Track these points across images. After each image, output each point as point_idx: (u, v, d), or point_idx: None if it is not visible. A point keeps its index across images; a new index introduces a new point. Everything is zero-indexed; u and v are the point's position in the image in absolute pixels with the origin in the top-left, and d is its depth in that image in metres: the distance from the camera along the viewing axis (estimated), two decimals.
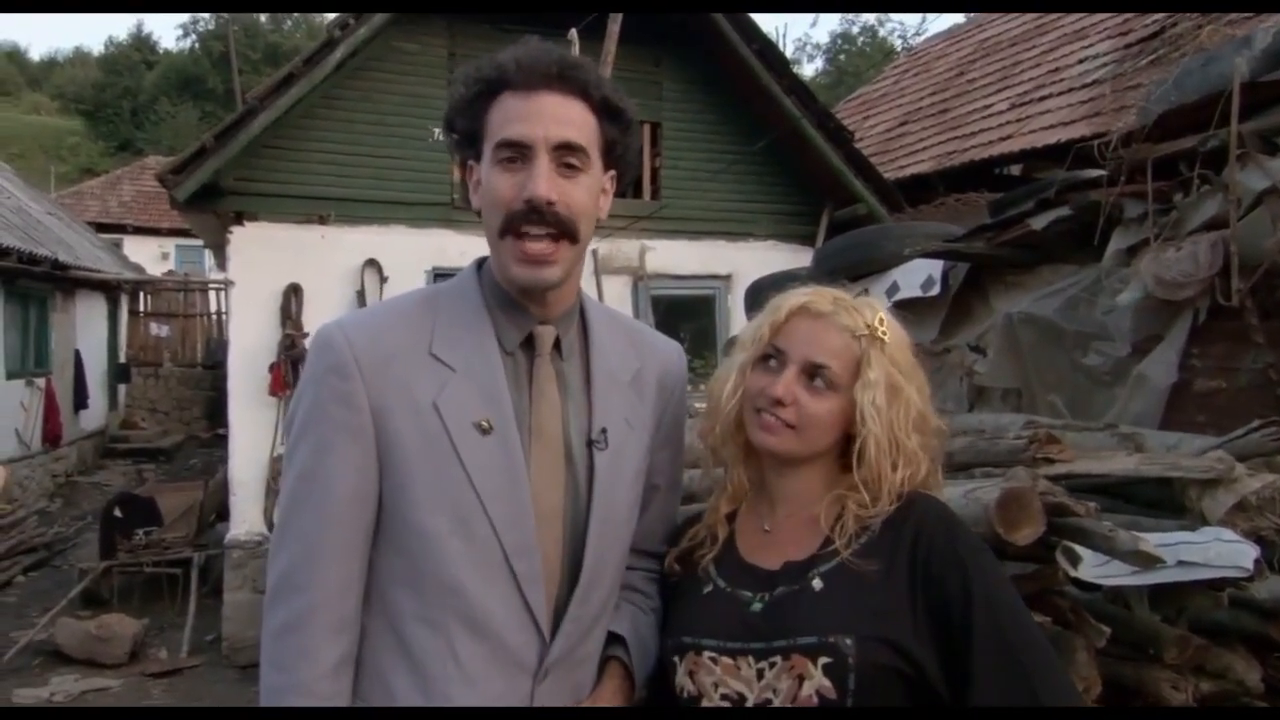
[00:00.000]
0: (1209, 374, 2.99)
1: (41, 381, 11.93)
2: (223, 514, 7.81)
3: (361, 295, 7.00)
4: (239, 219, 6.87)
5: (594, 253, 7.31)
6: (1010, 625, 1.16)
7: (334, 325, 1.28)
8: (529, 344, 1.32)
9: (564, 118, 1.24)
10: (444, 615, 1.22)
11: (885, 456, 1.26)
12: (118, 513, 7.89)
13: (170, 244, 22.01)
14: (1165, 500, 1.67)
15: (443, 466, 1.22)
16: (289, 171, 6.98)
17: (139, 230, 22.16)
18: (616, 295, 7.60)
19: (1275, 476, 1.59)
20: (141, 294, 16.56)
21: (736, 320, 7.49)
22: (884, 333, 1.29)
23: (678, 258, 7.91)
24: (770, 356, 1.32)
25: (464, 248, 6.92)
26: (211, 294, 16.53)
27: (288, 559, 1.23)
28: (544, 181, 1.22)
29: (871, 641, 1.16)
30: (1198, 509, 1.57)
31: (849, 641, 1.16)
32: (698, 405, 1.53)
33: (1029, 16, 9.72)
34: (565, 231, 1.24)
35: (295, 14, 43.24)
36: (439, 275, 6.89)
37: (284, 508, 1.26)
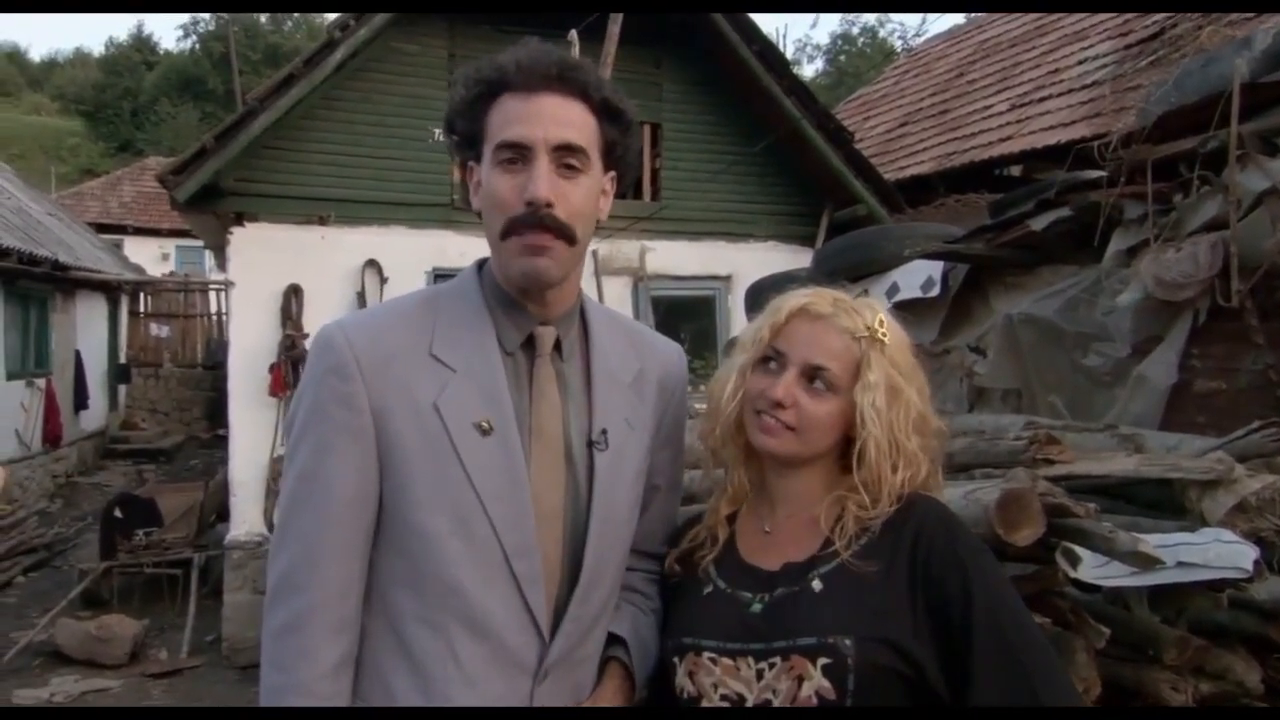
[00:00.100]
0: (1209, 375, 2.99)
1: (42, 382, 11.93)
2: (223, 515, 7.81)
3: (362, 296, 7.00)
4: (239, 220, 6.88)
5: (594, 253, 7.31)
6: (1010, 626, 1.16)
7: (334, 326, 1.28)
8: (529, 344, 1.32)
9: (564, 119, 1.24)
10: (444, 616, 1.22)
11: (885, 458, 1.26)
12: (118, 513, 7.89)
13: (170, 245, 22.01)
14: (1165, 501, 1.67)
15: (443, 467, 1.22)
16: (289, 172, 6.98)
17: (139, 231, 22.17)
18: (617, 296, 7.61)
19: (1275, 477, 1.59)
20: (142, 295, 16.57)
21: (737, 321, 7.49)
22: (884, 334, 1.29)
23: (678, 258, 7.91)
24: (770, 358, 1.32)
25: (464, 248, 6.92)
26: (212, 295, 16.53)
27: (288, 559, 1.23)
28: (544, 183, 1.22)
29: (871, 642, 1.16)
30: (1198, 510, 1.57)
31: (848, 642, 1.16)
32: (698, 406, 1.53)
33: (1029, 17, 9.72)
34: (563, 234, 1.24)
35: (295, 15, 43.30)
36: (439, 276, 6.89)
37: (284, 508, 1.27)
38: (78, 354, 13.46)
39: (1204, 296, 2.92)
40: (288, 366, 6.75)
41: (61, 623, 6.82)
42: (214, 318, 16.45)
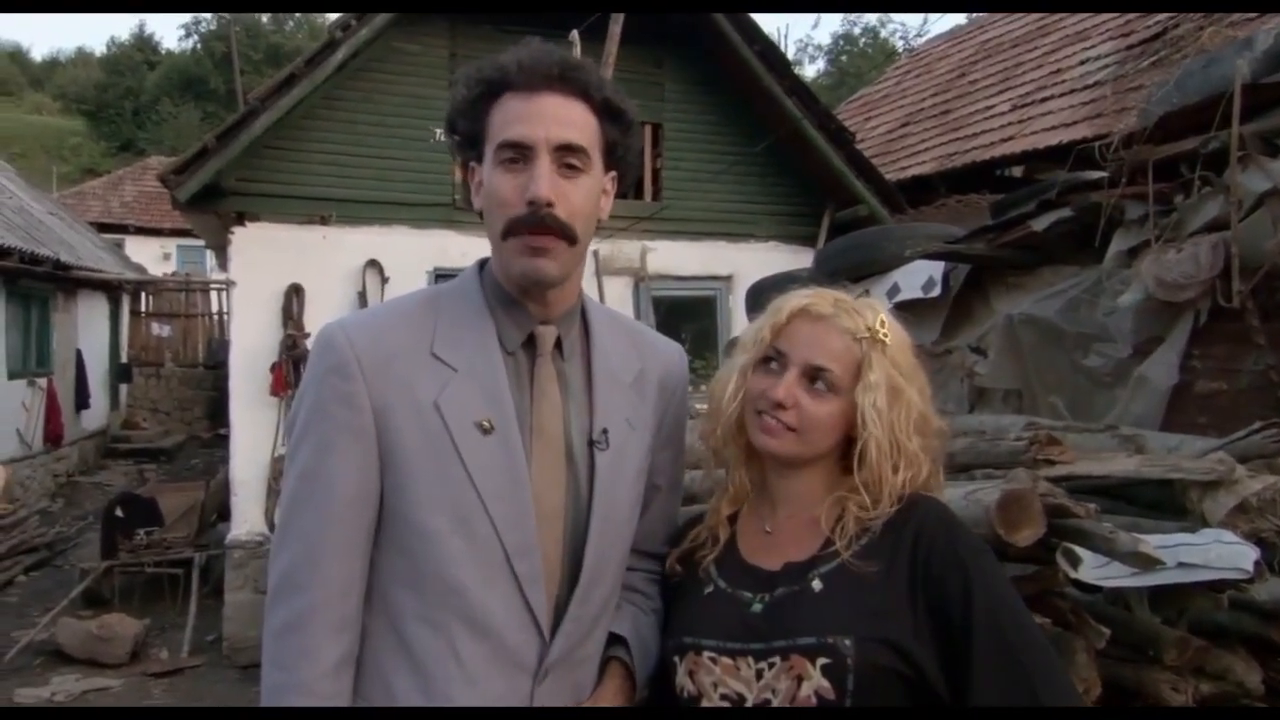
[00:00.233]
0: (1210, 375, 2.99)
1: (43, 381, 11.94)
2: (224, 514, 7.82)
3: (363, 296, 7.00)
4: (240, 219, 6.88)
5: (595, 253, 7.31)
6: (1011, 626, 1.16)
7: (336, 325, 1.28)
8: (530, 344, 1.32)
9: (565, 119, 1.25)
10: (445, 615, 1.22)
11: (886, 459, 1.26)
12: (119, 513, 7.90)
13: (172, 244, 22.01)
14: (1166, 502, 1.67)
15: (444, 466, 1.22)
16: (290, 172, 6.99)
17: (141, 230, 22.18)
18: (618, 296, 7.61)
19: (1276, 478, 1.59)
20: (143, 294, 16.58)
21: (738, 321, 7.49)
22: (885, 334, 1.29)
23: (679, 258, 7.91)
24: (771, 359, 1.32)
25: (465, 248, 6.92)
26: (213, 294, 16.54)
27: (289, 558, 1.24)
28: (545, 182, 1.22)
29: (870, 642, 1.16)
30: (1198, 511, 1.57)
31: (848, 642, 1.16)
32: (699, 406, 1.53)
33: (1031, 18, 9.72)
34: (564, 234, 1.24)
35: (297, 15, 43.29)
36: (440, 276, 6.89)
37: (285, 507, 1.27)
38: (79, 353, 13.47)
39: (1205, 297, 2.92)
40: (289, 366, 6.76)
41: (63, 622, 6.83)
42: (215, 317, 16.46)
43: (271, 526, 5.88)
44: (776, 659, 1.20)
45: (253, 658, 5.85)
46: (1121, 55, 7.27)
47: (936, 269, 4.15)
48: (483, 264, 1.37)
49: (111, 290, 15.51)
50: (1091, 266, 3.38)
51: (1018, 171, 7.53)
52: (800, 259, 7.44)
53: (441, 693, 1.22)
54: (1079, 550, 1.41)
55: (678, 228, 7.89)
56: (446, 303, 1.33)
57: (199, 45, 41.89)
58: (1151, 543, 1.37)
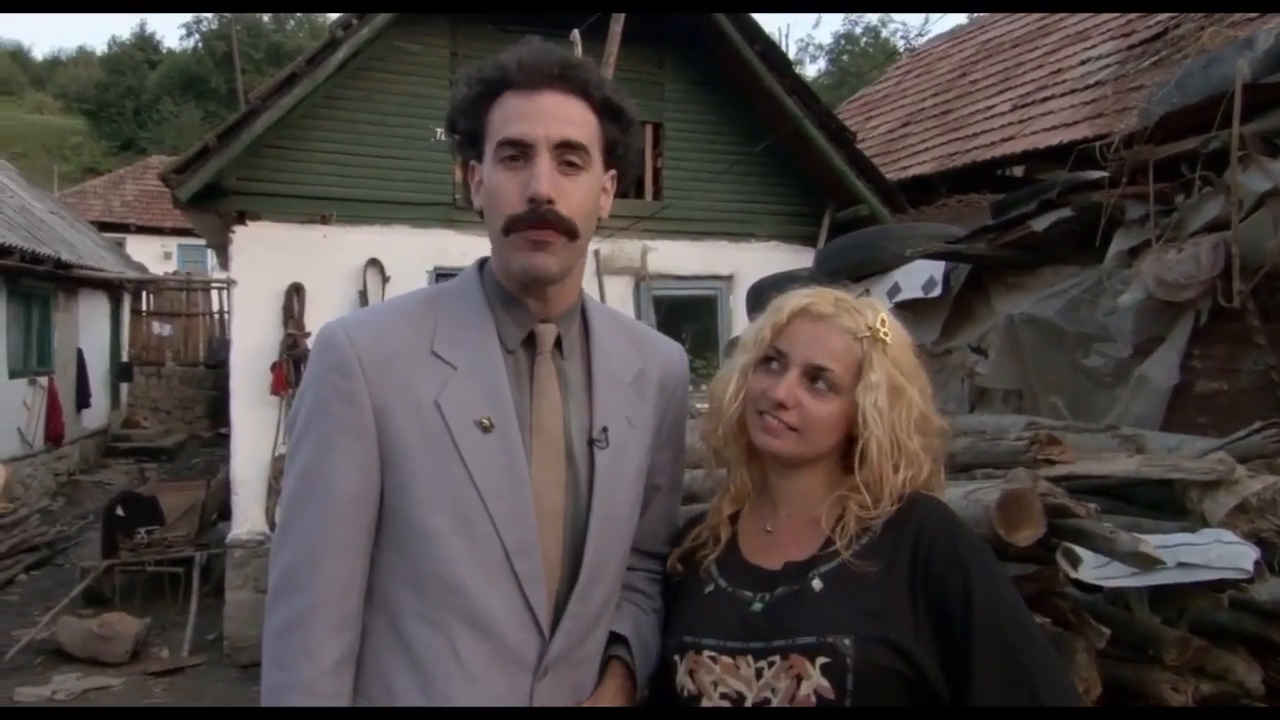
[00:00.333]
0: (1210, 376, 2.99)
1: (44, 380, 11.95)
2: (224, 513, 7.82)
3: (364, 295, 7.00)
4: (241, 218, 6.88)
5: (596, 253, 7.32)
6: (1011, 626, 1.16)
7: (336, 324, 1.28)
8: (530, 342, 1.32)
9: (565, 116, 1.25)
10: (445, 614, 1.22)
11: (887, 458, 1.26)
12: (120, 511, 7.91)
13: (173, 243, 22.03)
14: (1166, 502, 1.67)
15: (444, 465, 1.22)
16: (291, 171, 6.99)
17: (142, 229, 22.20)
18: (618, 295, 7.61)
19: (1276, 478, 1.59)
20: (144, 293, 16.60)
21: (738, 321, 7.49)
22: (886, 334, 1.29)
23: (679, 258, 7.91)
24: (772, 359, 1.32)
25: (466, 248, 6.93)
26: (214, 293, 16.55)
27: (290, 557, 1.24)
28: (545, 179, 1.22)
29: (870, 642, 1.16)
30: (1199, 511, 1.57)
31: (847, 642, 1.16)
32: (700, 406, 1.53)
33: (1032, 18, 9.71)
34: (564, 229, 1.24)
35: (298, 14, 43.31)
36: (441, 275, 6.89)
37: (286, 506, 1.27)
38: (80, 352, 13.48)
39: (1205, 297, 2.91)
40: (289, 365, 6.76)
41: (63, 621, 6.84)
42: (216, 316, 16.47)
43: (272, 526, 5.88)
44: (776, 658, 1.20)
45: (253, 657, 5.84)
46: (1122, 55, 7.27)
47: (937, 269, 4.15)
48: (483, 263, 1.37)
49: (112, 289, 15.52)
50: (1092, 266, 3.38)
51: (1018, 171, 7.53)
52: (801, 259, 7.44)
53: (441, 691, 1.22)
54: (1079, 550, 1.41)
55: (678, 227, 7.89)
56: (447, 301, 1.33)
57: (200, 44, 41.91)
58: (1152, 543, 1.37)
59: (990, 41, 10.16)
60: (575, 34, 5.76)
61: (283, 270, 6.87)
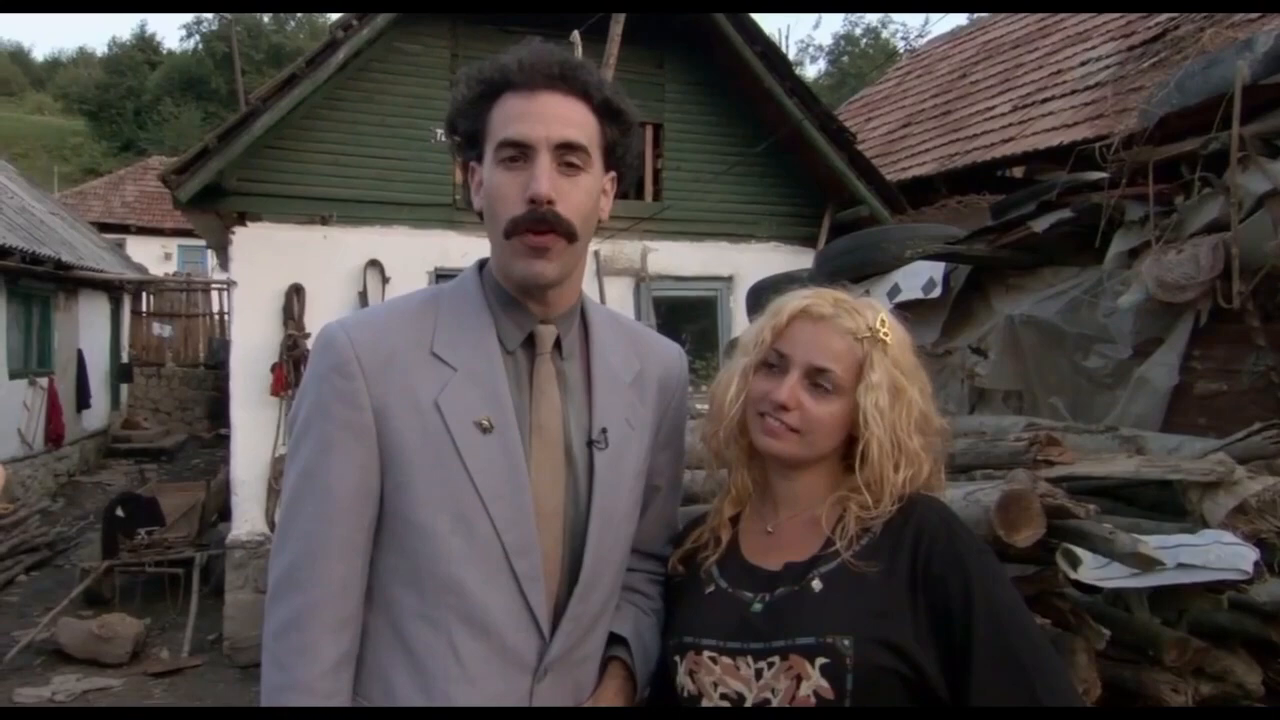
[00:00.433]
0: (1210, 376, 2.99)
1: (44, 381, 11.95)
2: (224, 514, 7.82)
3: (364, 296, 7.00)
4: (241, 219, 6.88)
5: (596, 254, 7.32)
6: (1011, 626, 1.16)
7: (337, 325, 1.28)
8: (530, 343, 1.32)
9: (565, 117, 1.25)
10: (444, 614, 1.22)
11: (888, 458, 1.26)
12: (120, 512, 7.90)
13: (173, 244, 22.04)
14: (1166, 503, 1.68)
15: (444, 465, 1.22)
16: (291, 172, 6.99)
17: (142, 230, 22.20)
18: (618, 296, 7.61)
19: (1276, 479, 1.59)
20: (144, 294, 16.61)
21: (738, 322, 7.49)
22: (886, 334, 1.30)
23: (679, 259, 7.91)
24: (772, 361, 1.33)
25: (466, 249, 6.93)
26: (214, 294, 16.56)
27: (289, 557, 1.24)
28: (545, 180, 1.22)
29: (870, 643, 1.16)
30: (1198, 512, 1.58)
31: (847, 643, 1.16)
32: (700, 407, 1.54)
33: (1032, 18, 9.72)
34: (564, 231, 1.24)
35: (298, 15, 43.32)
36: (441, 276, 6.89)
37: (286, 506, 1.27)
38: (80, 353, 13.47)
39: (1205, 298, 2.92)
40: (289, 366, 6.76)
41: (63, 621, 6.83)
42: (216, 317, 16.48)
43: (272, 526, 5.88)
44: (775, 659, 1.20)
45: (253, 657, 5.84)
46: (1122, 56, 7.27)
47: (937, 270, 4.15)
48: (482, 264, 1.37)
49: (113, 290, 15.51)
50: (1092, 267, 3.38)
51: (1018, 172, 7.53)
52: (801, 259, 7.44)
53: (441, 691, 1.22)
54: (1079, 551, 1.42)
55: (678, 228, 7.89)
56: (446, 302, 1.33)
57: (200, 45, 41.89)
58: (1151, 543, 1.38)
59: (990, 42, 10.16)
60: (575, 35, 5.77)
61: (283, 271, 6.87)
